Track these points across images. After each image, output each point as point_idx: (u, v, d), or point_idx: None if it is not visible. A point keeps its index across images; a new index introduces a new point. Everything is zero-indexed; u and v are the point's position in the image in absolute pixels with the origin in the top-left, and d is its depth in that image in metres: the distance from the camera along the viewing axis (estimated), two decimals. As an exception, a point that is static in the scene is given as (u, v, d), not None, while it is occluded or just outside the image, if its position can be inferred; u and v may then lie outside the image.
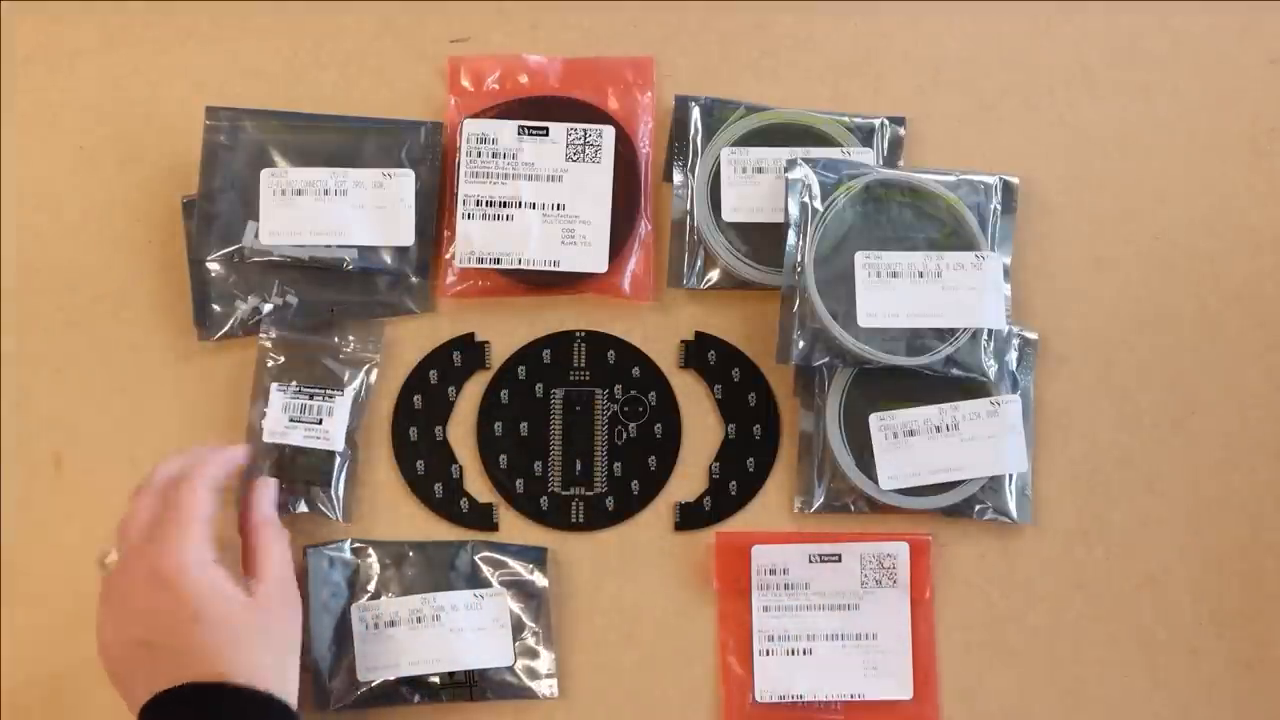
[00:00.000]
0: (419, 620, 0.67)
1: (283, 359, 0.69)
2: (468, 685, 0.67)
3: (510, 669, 0.67)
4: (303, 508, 0.69)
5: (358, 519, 0.70)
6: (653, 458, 0.70)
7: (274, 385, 0.69)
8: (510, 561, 0.68)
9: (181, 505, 0.60)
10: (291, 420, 0.69)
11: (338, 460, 0.69)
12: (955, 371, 0.68)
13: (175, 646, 0.58)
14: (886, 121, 0.72)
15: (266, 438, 0.68)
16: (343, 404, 0.69)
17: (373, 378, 0.70)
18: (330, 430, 0.68)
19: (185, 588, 0.58)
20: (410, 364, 0.71)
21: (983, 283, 0.68)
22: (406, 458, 0.70)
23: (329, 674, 0.67)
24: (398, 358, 0.71)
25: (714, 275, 0.71)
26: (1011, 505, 0.69)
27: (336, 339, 0.70)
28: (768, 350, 0.69)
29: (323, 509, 0.69)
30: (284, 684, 0.59)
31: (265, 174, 0.70)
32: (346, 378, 0.69)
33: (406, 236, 0.70)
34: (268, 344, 0.69)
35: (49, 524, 0.70)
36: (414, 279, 0.71)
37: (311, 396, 0.69)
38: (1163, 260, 0.72)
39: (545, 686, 0.68)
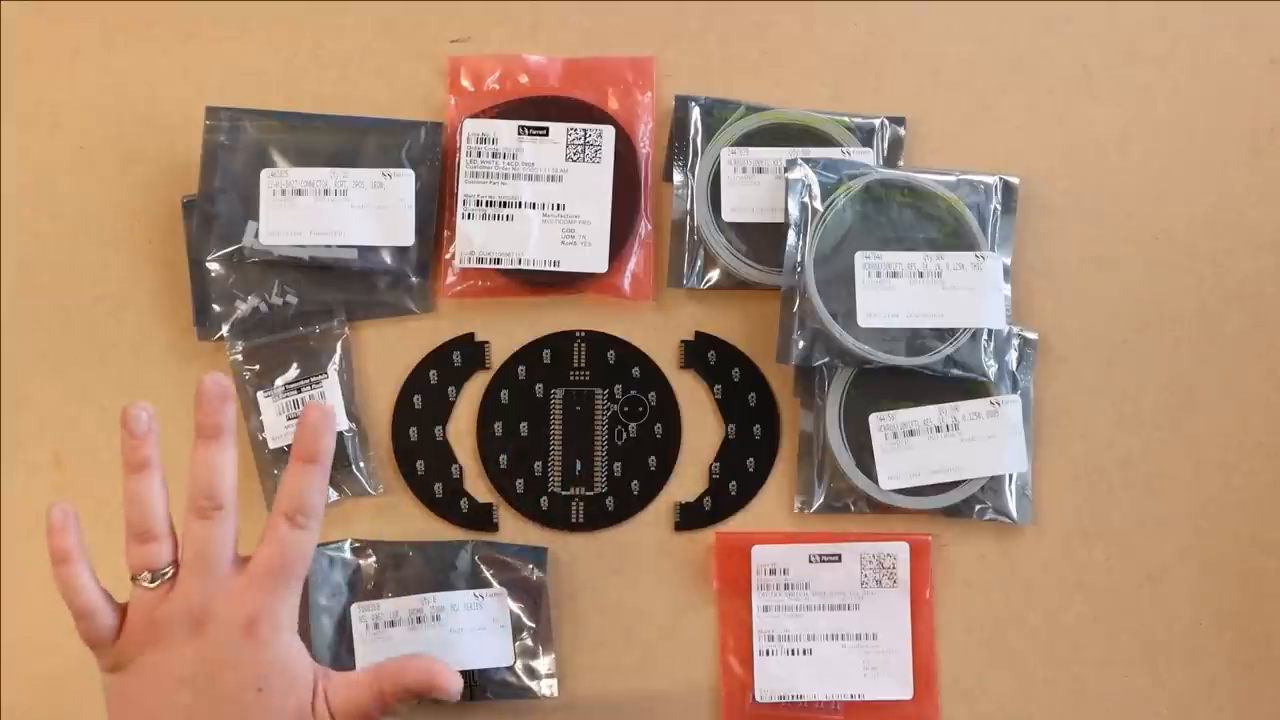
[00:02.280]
0: (419, 620, 0.67)
1: (257, 366, 0.70)
2: (468, 685, 0.67)
3: (510, 669, 0.67)
4: (334, 495, 0.69)
5: (358, 519, 0.70)
6: (653, 458, 0.70)
7: (259, 394, 0.69)
8: (510, 561, 0.68)
9: (288, 563, 0.54)
10: (290, 419, 0.69)
11: (348, 437, 0.69)
12: (955, 371, 0.68)
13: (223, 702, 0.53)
14: (886, 121, 0.72)
15: (272, 445, 0.69)
16: (331, 385, 0.69)
17: (349, 348, 0.70)
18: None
19: (267, 661, 0.53)
20: (410, 364, 0.71)
21: (983, 283, 0.68)
22: (406, 458, 0.70)
23: (329, 674, 0.67)
24: (398, 358, 0.71)
25: (714, 275, 0.71)
26: (1011, 505, 0.69)
27: (301, 329, 0.70)
28: (768, 350, 0.69)
29: (352, 490, 0.69)
30: None
31: (265, 174, 0.70)
32: (324, 359, 0.70)
33: (406, 236, 0.70)
34: (239, 357, 0.70)
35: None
36: (414, 279, 0.71)
37: (300, 390, 0.69)
38: (1163, 260, 0.72)
39: (545, 686, 0.68)
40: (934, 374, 0.68)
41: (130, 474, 0.56)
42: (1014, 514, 0.69)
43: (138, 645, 0.55)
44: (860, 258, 0.68)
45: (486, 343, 0.71)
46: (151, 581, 0.55)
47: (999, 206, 0.70)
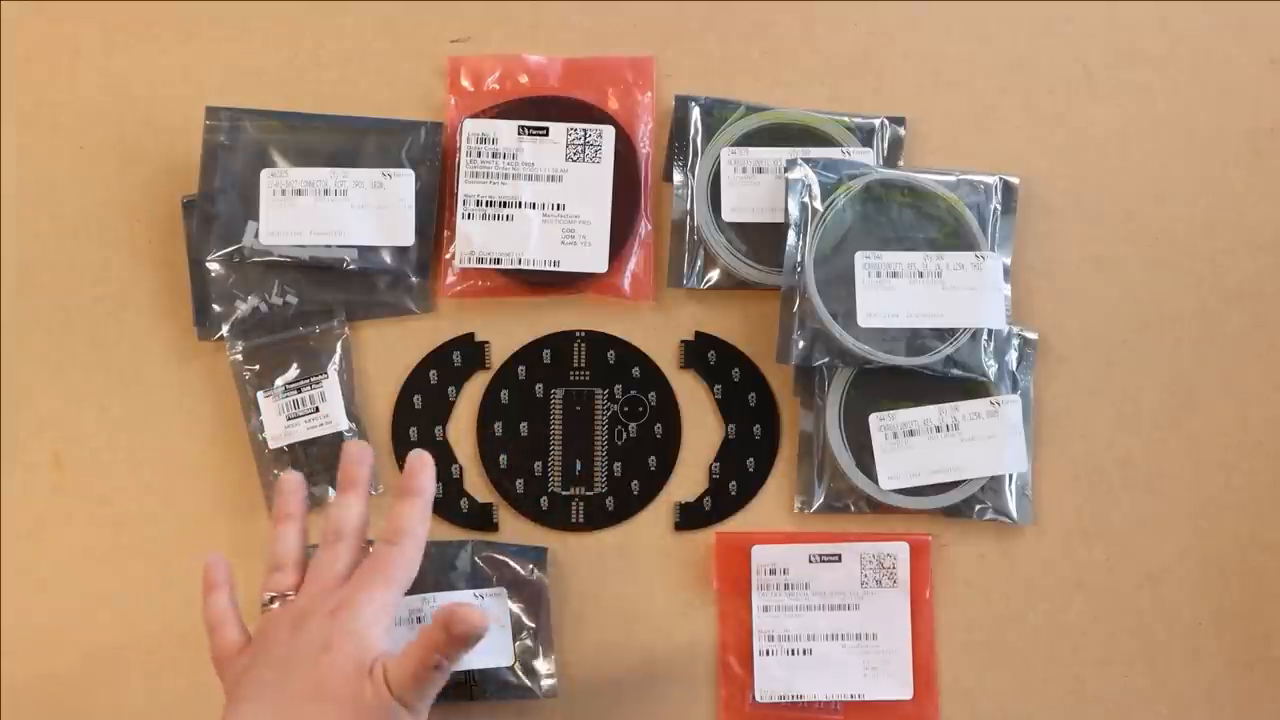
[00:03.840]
0: (419, 620, 0.67)
1: (257, 366, 0.70)
2: (467, 685, 0.67)
3: (510, 669, 0.67)
4: (333, 494, 0.69)
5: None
6: (653, 458, 0.70)
7: (259, 394, 0.69)
8: (510, 561, 0.68)
9: (381, 566, 0.59)
10: (290, 419, 0.69)
11: (348, 437, 0.69)
12: (955, 371, 0.68)
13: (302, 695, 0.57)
14: (886, 121, 0.72)
15: (273, 444, 0.69)
16: (331, 385, 0.69)
17: (349, 348, 0.70)
18: (330, 413, 0.69)
19: (347, 686, 0.57)
20: (410, 364, 0.71)
21: (983, 283, 0.68)
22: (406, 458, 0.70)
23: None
24: (398, 358, 0.71)
25: (714, 275, 0.71)
26: (1011, 505, 0.69)
27: (301, 329, 0.70)
28: (768, 350, 0.69)
29: None
30: None
31: (265, 174, 0.70)
32: (324, 359, 0.70)
33: (406, 236, 0.70)
34: (239, 357, 0.70)
35: (49, 524, 0.70)
36: (414, 279, 0.71)
37: (300, 389, 0.69)
38: (1163, 260, 0.72)
39: (545, 686, 0.68)
40: (934, 374, 0.68)
41: (279, 522, 0.63)
42: (1014, 514, 0.69)
43: (252, 651, 0.59)
44: (860, 258, 0.68)
45: (486, 343, 0.71)
46: (272, 602, 0.60)
47: (999, 206, 0.70)
